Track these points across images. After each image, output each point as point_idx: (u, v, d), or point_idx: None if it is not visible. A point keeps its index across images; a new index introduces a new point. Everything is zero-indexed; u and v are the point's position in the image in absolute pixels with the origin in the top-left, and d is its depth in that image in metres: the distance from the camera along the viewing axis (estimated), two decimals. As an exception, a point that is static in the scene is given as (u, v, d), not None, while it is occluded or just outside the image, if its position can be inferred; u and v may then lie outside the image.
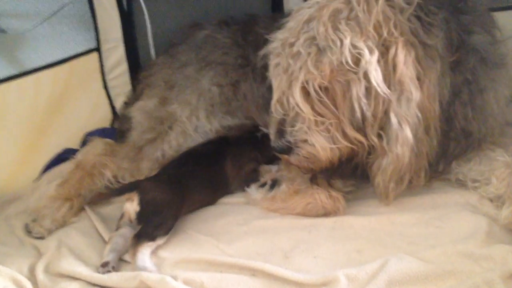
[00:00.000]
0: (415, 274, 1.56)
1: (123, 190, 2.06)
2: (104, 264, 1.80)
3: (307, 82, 1.76)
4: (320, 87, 1.75)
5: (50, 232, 2.07)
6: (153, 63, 2.73)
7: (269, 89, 2.00)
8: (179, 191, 2.04)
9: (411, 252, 1.69)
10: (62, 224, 2.12)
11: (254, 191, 2.18)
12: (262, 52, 1.99)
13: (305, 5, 1.86)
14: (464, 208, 1.90)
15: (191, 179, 2.11)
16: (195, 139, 2.42)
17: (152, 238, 1.85)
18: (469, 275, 1.54)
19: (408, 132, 1.74)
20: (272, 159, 2.21)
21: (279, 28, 1.94)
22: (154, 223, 1.89)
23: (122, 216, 1.98)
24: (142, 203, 1.92)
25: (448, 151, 1.99)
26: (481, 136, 1.98)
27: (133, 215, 1.93)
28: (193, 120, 2.41)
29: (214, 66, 2.49)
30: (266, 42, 2.28)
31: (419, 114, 1.74)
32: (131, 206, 1.94)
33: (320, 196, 1.98)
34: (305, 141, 1.84)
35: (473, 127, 1.95)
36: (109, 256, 1.83)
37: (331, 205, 1.98)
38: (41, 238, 2.04)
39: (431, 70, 1.76)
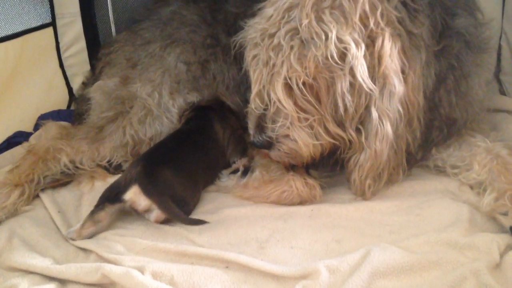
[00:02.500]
0: (400, 265, 1.50)
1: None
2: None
3: (290, 78, 1.65)
4: (304, 83, 1.65)
5: (-1, 221, 1.91)
6: (114, 40, 2.57)
7: (241, 71, 1.91)
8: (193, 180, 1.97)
9: (393, 241, 1.63)
10: (13, 212, 1.96)
11: (225, 178, 2.08)
12: (237, 40, 1.88)
13: None
14: (444, 196, 1.85)
15: (195, 165, 2.00)
16: (158, 116, 2.28)
17: None
18: (455, 266, 1.50)
19: (388, 128, 1.69)
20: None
21: (254, 14, 1.82)
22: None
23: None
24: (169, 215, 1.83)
25: (429, 140, 1.94)
26: (464, 122, 1.94)
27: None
28: (155, 96, 2.27)
29: (181, 43, 2.36)
30: (236, 22, 2.19)
31: (401, 109, 1.68)
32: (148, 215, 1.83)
33: (296, 184, 1.89)
34: (287, 136, 1.76)
35: (457, 114, 1.90)
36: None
37: (307, 193, 1.89)
38: (-11, 228, 1.87)
39: (416, 61, 1.70)
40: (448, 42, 1.82)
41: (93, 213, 1.80)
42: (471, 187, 1.89)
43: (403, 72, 1.67)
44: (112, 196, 1.82)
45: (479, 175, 1.84)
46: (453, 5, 1.87)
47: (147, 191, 1.78)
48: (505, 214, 1.69)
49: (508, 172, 1.78)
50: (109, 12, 2.68)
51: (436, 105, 1.87)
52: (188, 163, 1.97)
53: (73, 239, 1.78)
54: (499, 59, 2.55)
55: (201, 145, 2.09)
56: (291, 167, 1.95)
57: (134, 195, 1.78)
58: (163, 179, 1.83)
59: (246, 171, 2.05)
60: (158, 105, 2.28)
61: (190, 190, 1.93)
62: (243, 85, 2.31)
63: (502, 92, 2.56)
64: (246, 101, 2.28)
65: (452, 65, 1.84)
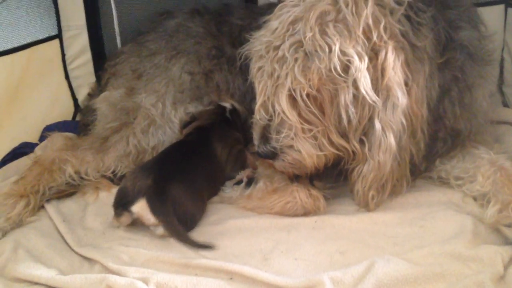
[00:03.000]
0: (404, 277, 1.49)
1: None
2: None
3: (294, 90, 1.67)
4: (307, 95, 1.67)
5: (4, 232, 1.90)
6: (119, 52, 2.59)
7: (246, 81, 1.92)
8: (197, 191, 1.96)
9: (397, 253, 1.63)
10: (18, 223, 1.96)
11: (229, 189, 2.08)
12: (242, 52, 1.91)
13: (289, 2, 1.76)
14: (448, 207, 1.85)
15: (200, 177, 2.00)
16: (161, 125, 2.29)
17: None
18: (459, 278, 1.49)
19: (391, 139, 1.70)
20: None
21: (259, 26, 1.85)
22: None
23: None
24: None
25: (433, 151, 1.94)
26: (468, 134, 1.94)
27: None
28: (159, 106, 2.29)
29: (186, 54, 2.38)
30: (241, 34, 2.22)
31: (404, 121, 1.70)
32: (154, 228, 1.84)
33: (300, 195, 1.89)
34: (291, 147, 1.78)
35: (461, 126, 1.91)
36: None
37: (311, 204, 1.89)
38: (-6, 239, 1.88)
39: (419, 74, 1.71)
40: (452, 54, 1.83)
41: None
42: (475, 199, 1.88)
43: (406, 84, 1.68)
44: (122, 203, 1.83)
45: (483, 186, 1.84)
46: (456, 18, 1.88)
47: (155, 209, 1.77)
48: (509, 226, 1.69)
49: (512, 184, 1.78)
50: (115, 24, 2.69)
51: (441, 116, 1.87)
52: (195, 175, 1.97)
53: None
54: (501, 71, 2.56)
55: (205, 156, 2.10)
56: (295, 178, 1.95)
57: (141, 210, 1.78)
58: (172, 197, 1.81)
59: (250, 182, 2.05)
60: (161, 115, 2.29)
61: (198, 204, 1.93)
62: (249, 94, 2.33)
63: (505, 104, 2.57)
64: (252, 112, 2.31)
65: (456, 77, 1.85)
